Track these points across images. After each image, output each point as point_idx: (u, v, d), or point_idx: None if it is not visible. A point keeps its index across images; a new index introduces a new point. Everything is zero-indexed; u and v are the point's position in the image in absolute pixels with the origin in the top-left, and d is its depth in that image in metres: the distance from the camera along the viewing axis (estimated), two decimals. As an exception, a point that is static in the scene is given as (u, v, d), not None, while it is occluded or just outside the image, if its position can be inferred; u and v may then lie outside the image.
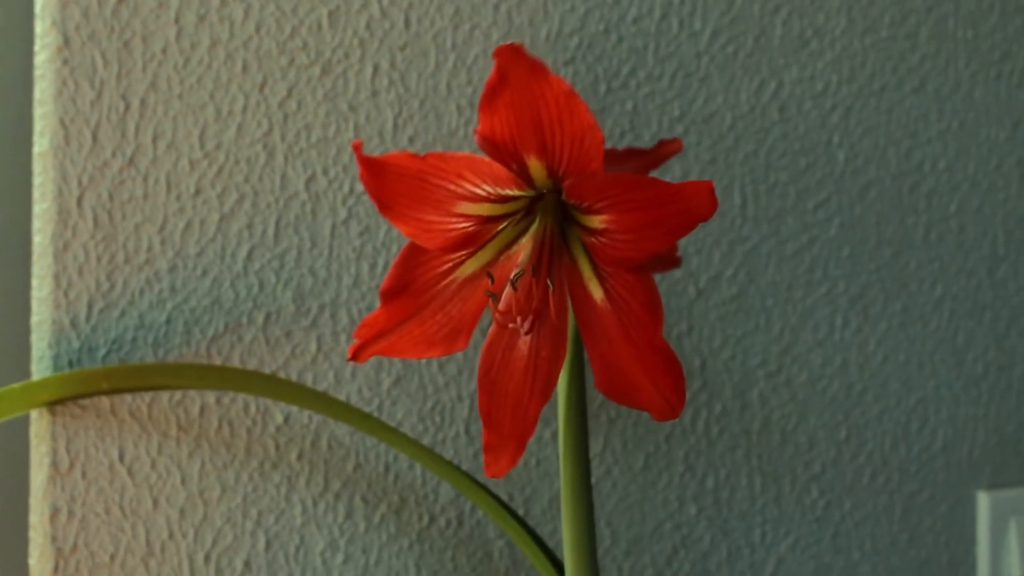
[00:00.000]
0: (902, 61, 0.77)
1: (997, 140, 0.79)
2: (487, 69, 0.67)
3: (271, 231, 0.65)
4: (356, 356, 0.55)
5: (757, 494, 0.74)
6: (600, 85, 0.70)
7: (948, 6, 0.78)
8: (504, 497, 0.68)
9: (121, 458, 0.63)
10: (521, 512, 0.69)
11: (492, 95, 0.48)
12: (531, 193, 0.52)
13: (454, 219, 0.52)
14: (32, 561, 0.62)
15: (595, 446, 0.71)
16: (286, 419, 0.65)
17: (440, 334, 0.55)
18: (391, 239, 0.66)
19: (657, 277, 0.71)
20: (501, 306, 0.53)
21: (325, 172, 0.65)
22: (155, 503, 0.63)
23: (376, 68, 0.66)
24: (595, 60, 0.70)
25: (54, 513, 0.61)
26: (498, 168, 0.50)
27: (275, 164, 0.65)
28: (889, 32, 0.76)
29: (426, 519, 0.68)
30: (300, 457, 0.65)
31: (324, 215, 0.66)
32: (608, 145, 0.69)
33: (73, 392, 0.60)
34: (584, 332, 0.53)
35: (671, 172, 0.71)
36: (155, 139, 0.63)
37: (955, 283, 0.78)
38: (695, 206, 0.48)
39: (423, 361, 0.67)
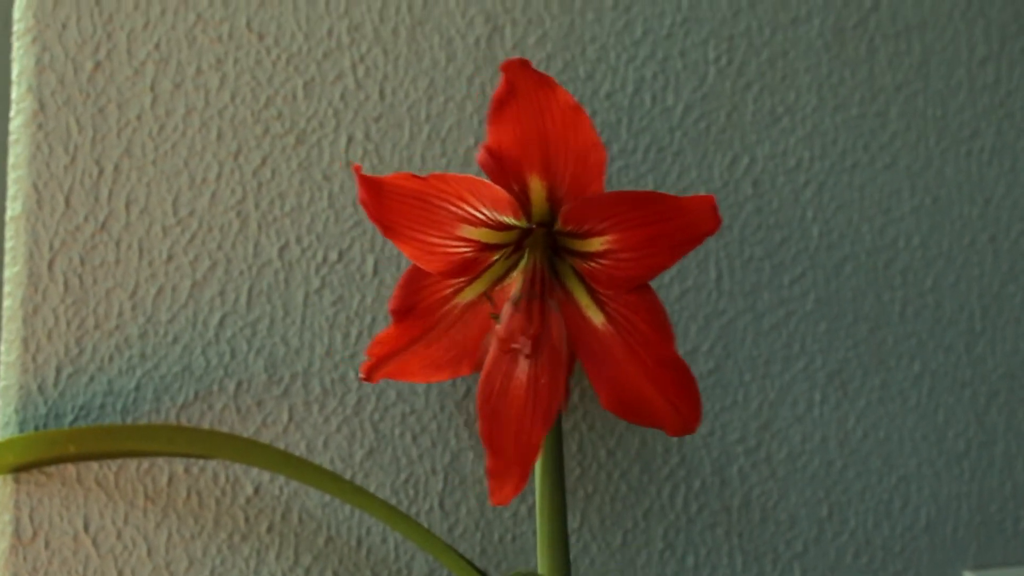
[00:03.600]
0: (873, 138, 0.77)
1: (970, 217, 0.80)
2: (461, 140, 0.68)
3: (243, 299, 0.64)
4: (369, 375, 0.54)
5: (738, 573, 0.73)
6: (574, 158, 0.70)
7: (917, 84, 0.79)
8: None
9: (86, 528, 0.61)
10: (497, 588, 0.68)
11: (500, 107, 0.48)
12: (524, 225, 0.52)
13: (456, 242, 0.52)
14: (-9, 635, 0.60)
15: (572, 522, 0.69)
16: (256, 490, 0.64)
17: (446, 358, 0.55)
18: (364, 309, 0.66)
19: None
20: (501, 330, 0.52)
21: (299, 241, 0.65)
22: (120, 575, 0.62)
23: (351, 138, 0.67)
24: (569, 133, 0.70)
25: (15, 584, 0.60)
26: (498, 191, 0.50)
27: (248, 232, 0.65)
28: (859, 110, 0.77)
29: (399, 595, 0.66)
30: (270, 530, 0.64)
31: (297, 284, 0.65)
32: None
33: (38, 455, 0.58)
34: (585, 359, 0.52)
35: (646, 244, 0.71)
36: (128, 205, 0.63)
37: (933, 359, 0.78)
38: (699, 221, 0.48)
39: (396, 432, 0.66)
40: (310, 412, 0.65)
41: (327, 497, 0.65)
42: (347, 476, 0.65)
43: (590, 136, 0.48)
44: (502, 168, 0.50)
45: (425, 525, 0.66)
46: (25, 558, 0.60)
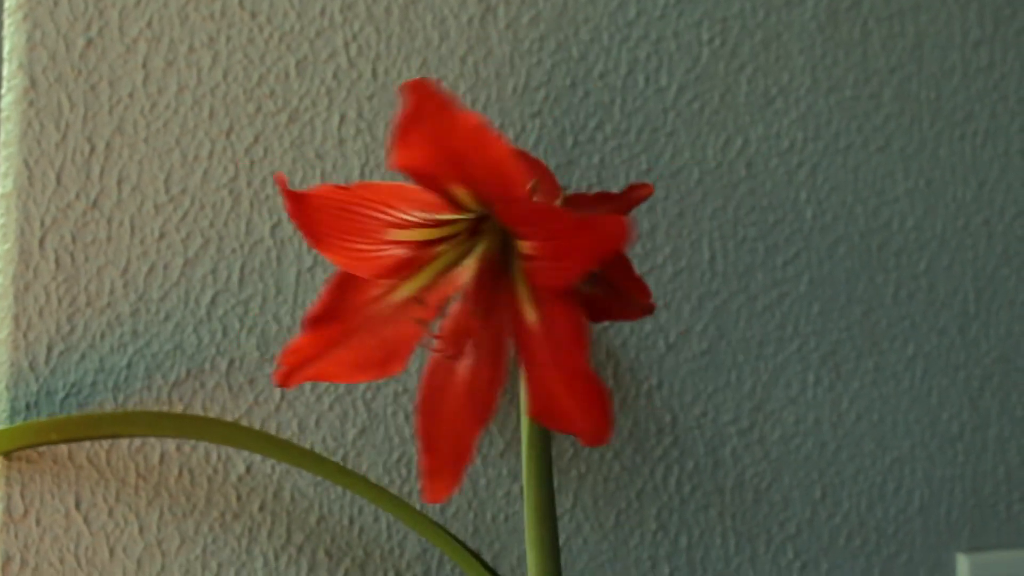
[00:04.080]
0: (867, 120, 0.77)
1: (964, 199, 0.80)
2: (454, 119, 0.68)
3: (236, 277, 0.64)
4: (284, 383, 0.54)
5: (732, 554, 0.73)
6: (567, 138, 0.70)
7: (911, 67, 0.79)
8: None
9: (77, 505, 0.61)
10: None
11: (405, 131, 0.48)
12: (471, 215, 0.52)
13: (384, 246, 0.52)
14: (-18, 612, 0.60)
15: (565, 503, 0.69)
16: (248, 469, 0.64)
17: (374, 359, 0.54)
18: (357, 288, 0.66)
19: (626, 329, 0.71)
20: (440, 330, 0.52)
21: (290, 219, 0.65)
22: (111, 552, 0.61)
23: (343, 117, 0.67)
24: (562, 114, 0.70)
25: (6, 561, 0.60)
26: (426, 195, 0.50)
27: (240, 210, 0.64)
28: (853, 92, 0.77)
29: (392, 574, 0.66)
30: (262, 508, 0.64)
31: (289, 262, 0.65)
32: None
33: (20, 444, 0.58)
34: (521, 355, 0.52)
35: (640, 225, 0.71)
36: (120, 182, 0.63)
37: (927, 342, 0.78)
38: (607, 237, 0.47)
39: (389, 411, 0.66)
40: (302, 391, 0.65)
41: (319, 476, 0.65)
42: (339, 455, 0.65)
43: (501, 150, 0.47)
44: (422, 180, 0.49)
45: (417, 506, 0.66)
46: (16, 535, 0.60)
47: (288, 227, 0.65)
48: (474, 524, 0.67)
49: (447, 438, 0.53)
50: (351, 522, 0.65)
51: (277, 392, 0.64)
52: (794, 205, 0.75)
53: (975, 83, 0.81)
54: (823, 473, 0.75)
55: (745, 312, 0.74)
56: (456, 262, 0.54)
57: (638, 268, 0.71)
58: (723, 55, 0.74)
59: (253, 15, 0.65)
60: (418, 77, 0.46)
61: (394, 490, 0.66)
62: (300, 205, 0.52)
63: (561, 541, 0.69)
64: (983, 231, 0.80)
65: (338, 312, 0.54)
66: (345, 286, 0.54)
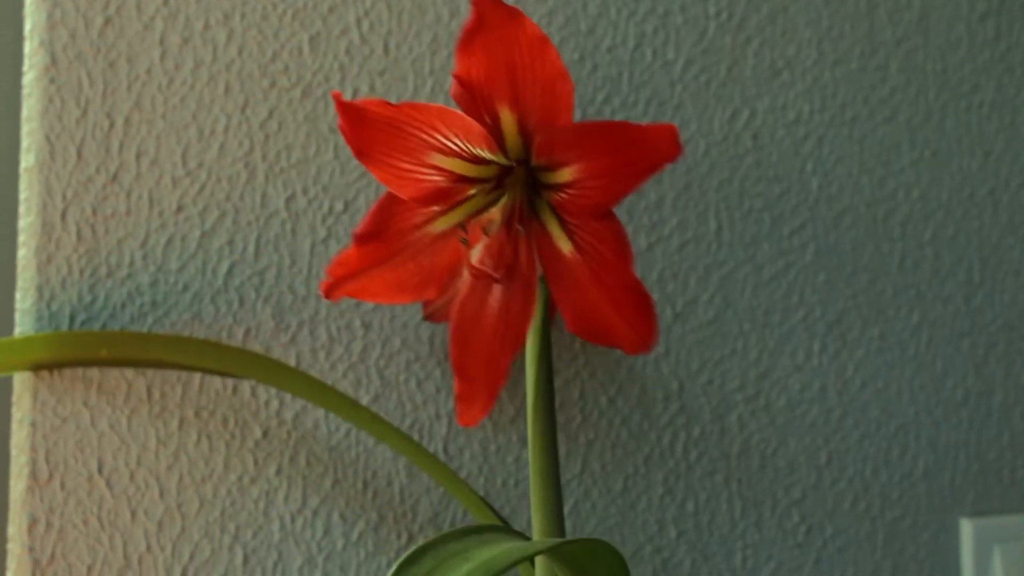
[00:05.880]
0: (873, 92, 0.78)
1: (969, 169, 0.81)
2: (464, 94, 0.69)
3: (251, 248, 0.66)
4: (329, 293, 0.56)
5: (737, 519, 0.74)
6: (575, 112, 0.71)
7: (917, 39, 0.80)
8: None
9: (100, 470, 0.63)
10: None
11: (469, 38, 0.50)
12: (502, 160, 0.54)
13: (427, 169, 0.54)
14: (10, 572, 0.62)
15: (573, 468, 0.71)
16: (264, 434, 0.66)
17: (412, 282, 0.57)
18: (370, 259, 0.68)
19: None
20: (475, 259, 0.54)
21: (305, 192, 0.67)
22: (133, 515, 0.64)
23: (356, 92, 0.68)
24: (570, 87, 0.71)
25: (32, 524, 0.62)
26: (469, 122, 0.52)
27: (256, 183, 0.66)
28: (859, 64, 0.78)
29: (405, 537, 0.68)
30: (279, 472, 0.66)
31: (304, 234, 0.67)
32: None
33: (70, 355, 0.60)
34: (555, 286, 0.54)
35: (647, 196, 0.73)
36: (138, 156, 0.64)
37: (932, 310, 0.79)
38: (659, 149, 0.49)
39: (401, 378, 0.68)
40: (316, 359, 0.67)
41: (334, 441, 0.66)
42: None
43: (557, 66, 0.50)
44: (473, 98, 0.51)
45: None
46: (42, 499, 0.62)
47: (303, 200, 0.67)
48: (484, 489, 0.69)
49: (480, 364, 0.56)
50: (365, 486, 0.67)
51: (293, 360, 0.66)
52: (800, 176, 0.76)
53: (981, 55, 0.81)
54: (828, 439, 0.77)
55: (751, 281, 0.75)
56: (484, 208, 0.56)
57: (645, 239, 0.73)
58: (730, 28, 0.75)
59: (267, -8, 0.67)
60: None
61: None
62: (351, 117, 0.53)
63: (570, 506, 0.71)
64: (988, 201, 0.81)
65: (382, 233, 0.56)
66: (388, 209, 0.56)
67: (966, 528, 0.79)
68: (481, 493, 0.69)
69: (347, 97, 0.68)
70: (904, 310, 0.79)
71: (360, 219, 0.67)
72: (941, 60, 0.80)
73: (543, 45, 0.50)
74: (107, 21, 0.64)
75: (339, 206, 0.67)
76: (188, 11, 0.65)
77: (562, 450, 0.71)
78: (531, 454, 0.58)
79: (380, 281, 0.57)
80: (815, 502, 0.76)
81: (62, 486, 0.63)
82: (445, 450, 0.69)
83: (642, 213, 0.73)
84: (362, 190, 0.68)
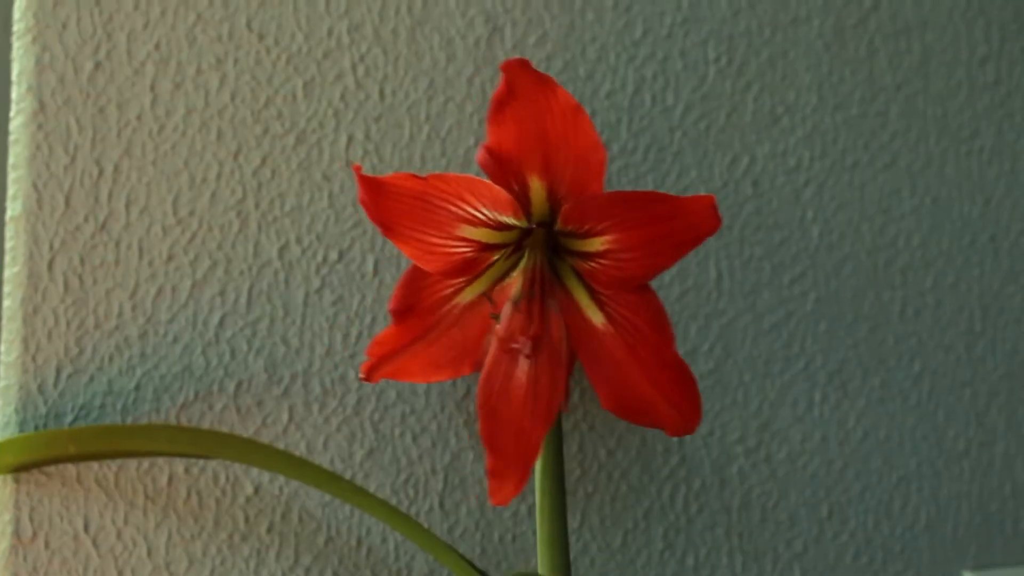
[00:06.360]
0: (873, 138, 0.77)
1: (970, 216, 0.80)
2: (461, 140, 0.68)
3: (244, 299, 0.64)
4: (369, 376, 0.55)
5: (739, 573, 0.73)
6: (574, 158, 0.70)
7: (917, 84, 0.79)
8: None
9: (86, 528, 0.61)
10: (497, 588, 0.68)
11: (500, 108, 0.48)
12: (524, 224, 0.52)
13: (455, 242, 0.52)
14: (-9, 635, 0.60)
15: (572, 522, 0.69)
16: (256, 490, 0.64)
17: (446, 357, 0.55)
18: (364, 309, 0.66)
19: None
20: (501, 330, 0.53)
21: (299, 241, 0.65)
22: (120, 575, 0.62)
23: (351, 138, 0.67)
24: (569, 133, 0.70)
25: (15, 584, 0.60)
26: (498, 191, 0.51)
27: (248, 232, 0.65)
28: (859, 109, 0.77)
29: (399, 595, 0.66)
30: (270, 530, 0.64)
31: (297, 284, 0.65)
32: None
33: (38, 455, 0.58)
34: (585, 359, 0.53)
35: (646, 244, 0.71)
36: (128, 205, 0.63)
37: (933, 359, 0.78)
38: (699, 221, 0.48)
39: (396, 432, 0.66)
40: (310, 412, 0.65)
41: (327, 497, 0.65)
42: (347, 476, 0.65)
43: (591, 137, 0.48)
44: (502, 168, 0.50)
45: (425, 525, 0.66)
46: (25, 558, 0.60)
47: (296, 249, 0.65)
48: (481, 544, 0.67)
49: (511, 440, 0.54)
50: (359, 543, 0.65)
51: (285, 414, 0.65)
52: (800, 223, 0.75)
53: (981, 100, 0.81)
54: (830, 491, 0.75)
55: (752, 331, 0.74)
56: (506, 273, 0.55)
57: (645, 287, 0.71)
58: (729, 74, 0.74)
59: (260, 37, 0.65)
60: (516, 57, 0.47)
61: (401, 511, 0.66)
62: (374, 192, 0.52)
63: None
64: (989, 248, 0.80)
65: (415, 307, 0.54)
66: (416, 283, 0.55)
67: (969, 581, 0.78)
68: (478, 550, 0.67)
69: (341, 145, 0.66)
70: (905, 359, 0.77)
71: (355, 269, 0.66)
72: (941, 105, 0.79)
73: (576, 115, 0.48)
74: (97, 66, 0.63)
75: (333, 255, 0.66)
76: (180, 56, 0.64)
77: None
78: (539, 516, 0.57)
79: (417, 360, 0.55)
80: (816, 556, 0.75)
81: (46, 545, 0.61)
82: (441, 505, 0.67)
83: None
84: (357, 239, 0.66)
